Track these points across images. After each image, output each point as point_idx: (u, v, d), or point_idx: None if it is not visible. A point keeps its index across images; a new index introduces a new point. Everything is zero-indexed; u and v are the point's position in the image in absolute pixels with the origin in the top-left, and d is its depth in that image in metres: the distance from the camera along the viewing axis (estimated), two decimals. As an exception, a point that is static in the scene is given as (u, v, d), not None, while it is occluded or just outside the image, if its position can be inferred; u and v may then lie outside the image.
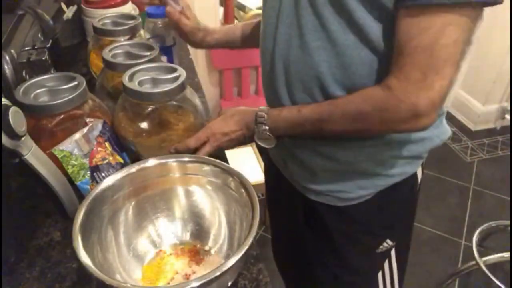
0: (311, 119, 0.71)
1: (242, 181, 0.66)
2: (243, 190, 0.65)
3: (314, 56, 0.69)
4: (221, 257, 0.69)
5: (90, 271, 0.53)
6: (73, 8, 1.23)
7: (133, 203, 0.69)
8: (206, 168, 0.70)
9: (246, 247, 0.55)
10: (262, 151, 2.03)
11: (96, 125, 0.80)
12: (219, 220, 0.71)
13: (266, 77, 0.82)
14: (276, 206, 1.15)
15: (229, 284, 0.62)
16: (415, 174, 0.85)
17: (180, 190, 0.73)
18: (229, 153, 0.99)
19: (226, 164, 0.70)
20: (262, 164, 1.89)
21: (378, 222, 0.87)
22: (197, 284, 0.51)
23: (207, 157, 0.72)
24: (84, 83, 0.81)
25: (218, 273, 0.52)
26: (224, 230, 0.70)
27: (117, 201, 0.67)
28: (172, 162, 0.71)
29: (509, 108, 2.74)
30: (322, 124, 0.71)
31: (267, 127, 0.76)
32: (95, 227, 0.62)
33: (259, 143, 0.79)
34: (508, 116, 2.76)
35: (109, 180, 0.67)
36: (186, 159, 0.71)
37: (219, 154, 0.93)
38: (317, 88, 0.72)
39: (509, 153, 2.62)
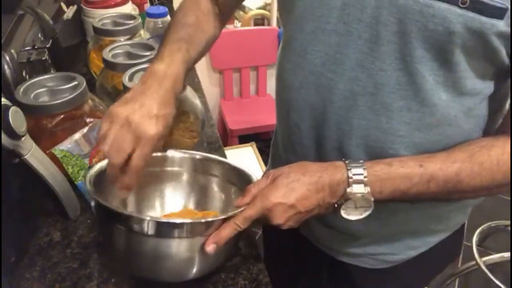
0: (442, 178, 0.55)
1: (246, 179, 0.67)
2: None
3: (394, 118, 0.57)
4: None
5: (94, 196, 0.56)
6: (73, 8, 1.23)
7: (141, 186, 0.70)
8: (213, 165, 0.72)
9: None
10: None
11: (96, 125, 0.80)
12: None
13: (296, 134, 0.66)
14: (283, 261, 0.92)
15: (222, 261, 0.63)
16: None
17: (186, 183, 0.74)
18: (229, 153, 0.99)
19: (231, 162, 0.72)
20: (262, 164, 1.89)
21: (421, 275, 0.80)
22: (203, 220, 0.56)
23: (214, 156, 0.74)
24: (84, 83, 0.81)
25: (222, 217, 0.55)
26: None
27: None
28: (181, 155, 0.73)
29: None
30: (457, 184, 0.56)
31: (367, 189, 0.56)
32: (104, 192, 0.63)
33: (345, 215, 0.57)
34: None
35: None
36: (198, 156, 0.73)
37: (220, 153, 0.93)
38: (387, 155, 0.60)
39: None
